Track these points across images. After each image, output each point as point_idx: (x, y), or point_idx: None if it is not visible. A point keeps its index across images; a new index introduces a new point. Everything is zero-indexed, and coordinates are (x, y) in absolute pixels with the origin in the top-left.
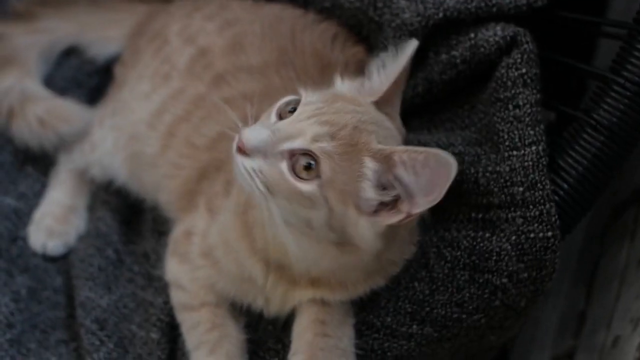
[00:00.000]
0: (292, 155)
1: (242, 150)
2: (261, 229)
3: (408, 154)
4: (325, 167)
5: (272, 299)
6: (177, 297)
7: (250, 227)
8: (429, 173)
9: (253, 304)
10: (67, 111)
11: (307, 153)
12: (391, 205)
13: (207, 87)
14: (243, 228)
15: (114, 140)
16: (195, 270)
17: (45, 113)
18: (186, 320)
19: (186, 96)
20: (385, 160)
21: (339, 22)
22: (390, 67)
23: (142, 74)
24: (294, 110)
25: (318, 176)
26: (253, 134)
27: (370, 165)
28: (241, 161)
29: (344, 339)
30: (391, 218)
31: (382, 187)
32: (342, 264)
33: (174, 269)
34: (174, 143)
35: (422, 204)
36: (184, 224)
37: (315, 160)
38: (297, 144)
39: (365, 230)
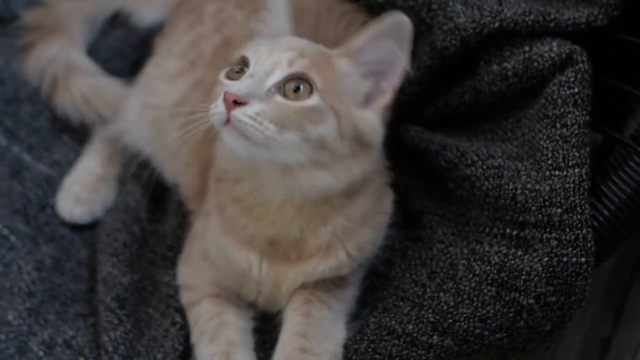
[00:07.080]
0: (279, 87)
1: (238, 102)
2: (247, 212)
3: (363, 37)
4: (316, 78)
5: (265, 289)
6: (185, 297)
7: (231, 221)
8: (387, 42)
9: (251, 297)
10: (112, 93)
11: (292, 78)
12: (377, 91)
13: None
14: (224, 224)
15: (139, 112)
16: (199, 271)
17: (90, 92)
18: (191, 317)
19: (203, 87)
20: (351, 53)
21: None
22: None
23: (171, 49)
24: (241, 70)
25: (312, 91)
26: (237, 86)
27: (343, 64)
28: (242, 112)
29: (324, 355)
30: (383, 99)
31: (362, 77)
32: (358, 176)
33: (181, 271)
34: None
35: (397, 73)
36: (193, 229)
37: (302, 80)
38: (280, 73)
39: (372, 119)
